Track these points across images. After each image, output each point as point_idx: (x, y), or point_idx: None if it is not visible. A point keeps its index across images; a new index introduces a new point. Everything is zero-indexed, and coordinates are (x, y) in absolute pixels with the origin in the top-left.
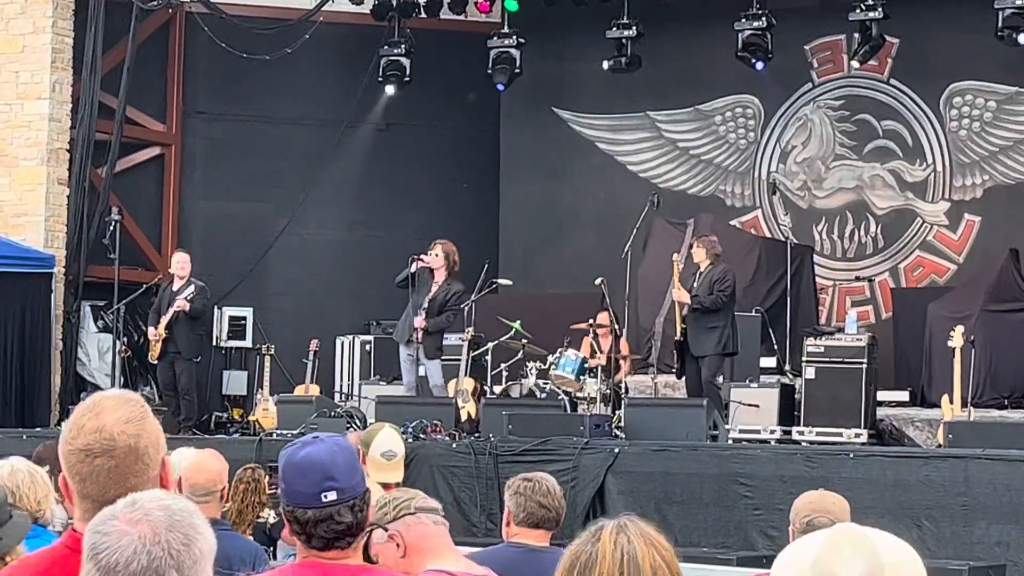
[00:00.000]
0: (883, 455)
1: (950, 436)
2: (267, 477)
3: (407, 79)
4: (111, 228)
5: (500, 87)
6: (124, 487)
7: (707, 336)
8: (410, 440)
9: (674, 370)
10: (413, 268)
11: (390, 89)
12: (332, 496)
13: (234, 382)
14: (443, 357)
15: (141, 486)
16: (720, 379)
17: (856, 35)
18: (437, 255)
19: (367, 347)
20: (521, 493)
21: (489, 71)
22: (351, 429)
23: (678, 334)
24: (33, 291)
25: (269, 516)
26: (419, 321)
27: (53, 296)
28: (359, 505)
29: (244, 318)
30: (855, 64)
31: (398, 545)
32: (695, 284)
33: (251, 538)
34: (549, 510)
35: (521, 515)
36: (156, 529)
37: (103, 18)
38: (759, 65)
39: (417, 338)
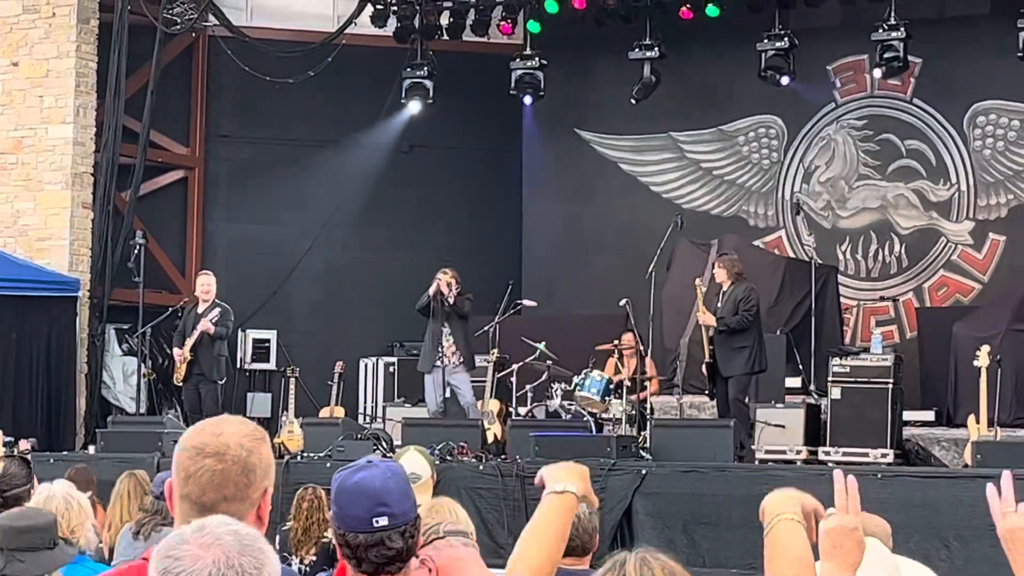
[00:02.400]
0: (911, 475)
1: (978, 456)
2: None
3: (430, 101)
4: (135, 251)
5: (527, 101)
6: (222, 493)
7: (736, 356)
8: (437, 462)
9: (706, 392)
10: (433, 289)
11: (414, 106)
12: (384, 522)
13: (258, 404)
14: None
15: (238, 499)
16: (747, 399)
17: (879, 55)
18: (450, 284)
19: (391, 369)
20: None
21: (512, 92)
22: (377, 451)
23: (707, 356)
24: (58, 315)
25: (332, 537)
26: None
27: (78, 320)
28: (410, 531)
29: (268, 340)
30: (877, 74)
31: (430, 570)
32: (719, 305)
33: (314, 558)
34: (573, 539)
35: None
36: (228, 553)
37: (127, 42)
38: (784, 80)
39: (447, 301)
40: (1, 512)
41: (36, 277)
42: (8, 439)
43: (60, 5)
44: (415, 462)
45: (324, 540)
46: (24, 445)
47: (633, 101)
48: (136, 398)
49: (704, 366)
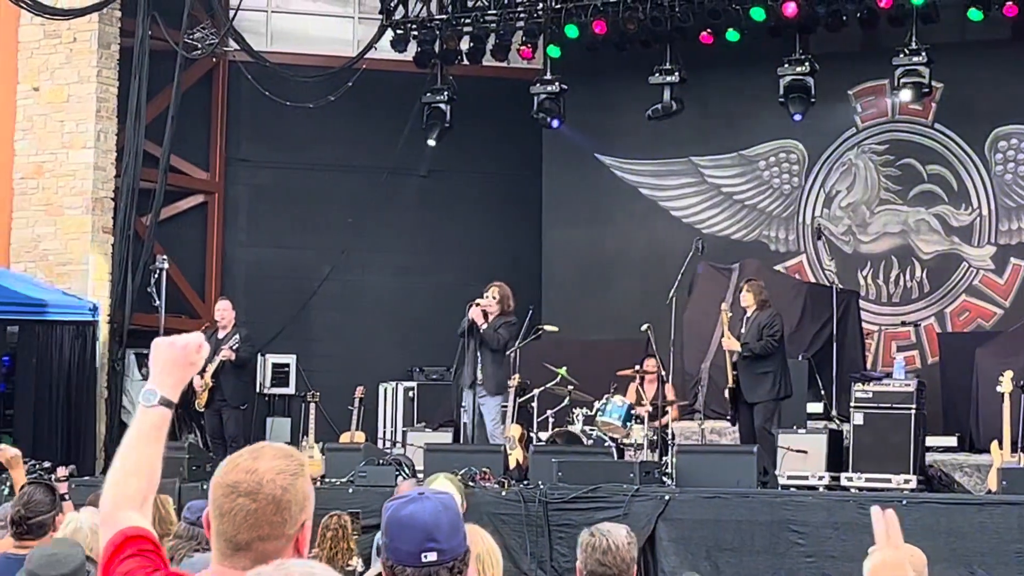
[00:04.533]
0: (936, 501)
1: (1003, 482)
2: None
3: (449, 125)
4: (155, 276)
5: (555, 125)
6: (256, 533)
7: (760, 382)
8: None
9: (728, 417)
10: (470, 316)
11: (431, 142)
12: (432, 557)
13: (278, 429)
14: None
15: (273, 538)
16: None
17: (899, 79)
18: (493, 298)
19: (410, 394)
20: (584, 549)
21: (534, 116)
22: (401, 477)
23: (730, 381)
24: (79, 339)
25: (357, 564)
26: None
27: (98, 344)
28: (458, 567)
29: (288, 365)
30: (906, 96)
31: None
32: (743, 330)
33: None
34: (609, 568)
35: (585, 572)
36: None
37: (147, 67)
38: (797, 117)
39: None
40: (25, 537)
41: (56, 301)
42: (47, 464)
43: (81, 30)
44: (447, 490)
45: (348, 569)
46: (62, 472)
47: (648, 116)
48: None
49: (727, 391)
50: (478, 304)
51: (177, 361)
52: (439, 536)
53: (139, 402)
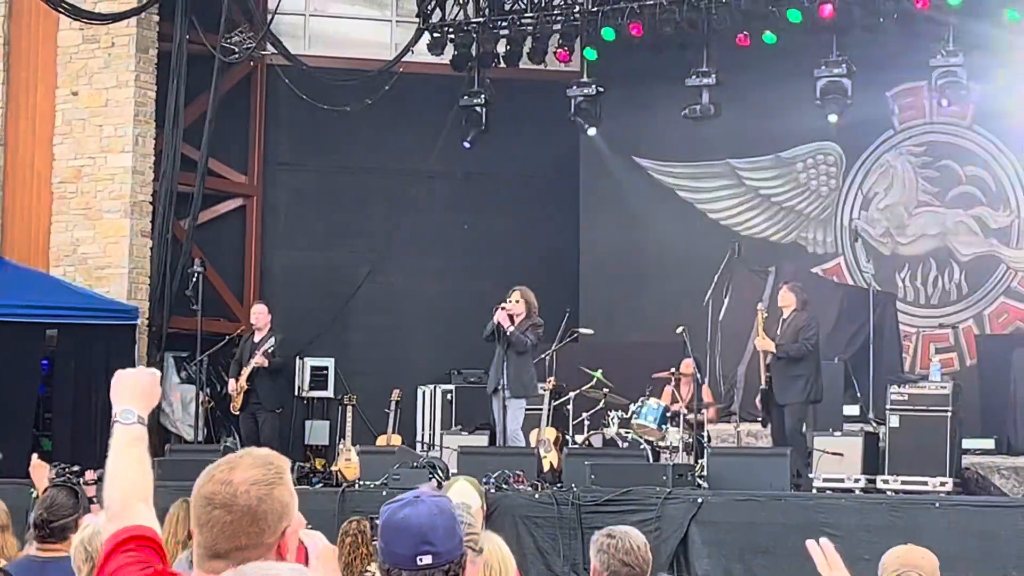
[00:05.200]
0: (970, 504)
1: None
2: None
3: (485, 128)
4: (194, 279)
5: (591, 133)
6: (234, 544)
7: (792, 384)
8: (492, 491)
9: (759, 419)
10: (496, 319)
11: (466, 144)
12: (427, 560)
13: (317, 432)
14: (525, 407)
15: (252, 549)
16: (804, 427)
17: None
18: (517, 301)
19: (448, 397)
20: (604, 551)
21: (571, 118)
22: (433, 480)
23: (763, 382)
24: (117, 343)
25: (375, 570)
26: (502, 316)
27: (136, 348)
28: (454, 569)
29: (326, 368)
30: (944, 103)
31: None
32: (779, 331)
33: None
34: (632, 568)
35: (605, 573)
36: None
37: (185, 71)
38: (832, 118)
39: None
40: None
41: (95, 305)
42: (75, 467)
43: (119, 35)
44: (465, 492)
45: (367, 574)
46: (90, 476)
47: (684, 114)
48: (195, 426)
49: (759, 392)
50: (503, 308)
51: (144, 386)
52: (434, 539)
53: (116, 420)
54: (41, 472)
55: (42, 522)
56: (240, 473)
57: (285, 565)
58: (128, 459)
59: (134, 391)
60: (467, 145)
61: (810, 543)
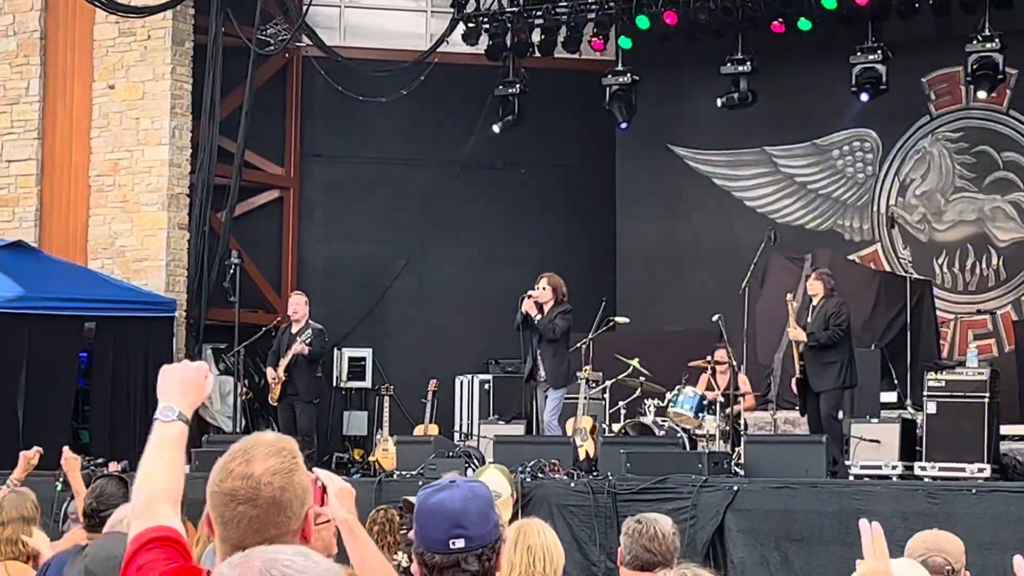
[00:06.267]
0: (1007, 490)
1: None
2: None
3: (520, 118)
4: (231, 271)
5: (623, 126)
6: (263, 537)
7: (826, 371)
8: (528, 479)
9: (796, 407)
10: (523, 309)
11: (496, 128)
12: (460, 544)
13: (355, 423)
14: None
15: (280, 538)
16: (840, 414)
17: (972, 67)
18: (544, 288)
19: (486, 386)
20: (629, 535)
21: (606, 107)
22: (469, 469)
23: (797, 371)
24: (155, 335)
25: (403, 559)
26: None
27: (175, 340)
28: (487, 554)
29: (364, 359)
30: (981, 95)
31: None
32: (809, 319)
33: None
34: (655, 554)
35: (628, 557)
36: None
37: (221, 64)
38: (864, 96)
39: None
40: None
41: (133, 298)
42: (99, 460)
43: (155, 28)
44: (495, 480)
45: (393, 562)
46: (114, 467)
47: (721, 103)
48: (233, 417)
49: (794, 381)
50: (530, 296)
51: (189, 381)
52: (467, 523)
53: (156, 418)
54: (74, 465)
55: (91, 511)
56: (258, 464)
57: (290, 547)
58: (160, 460)
59: (179, 387)
60: (496, 129)
61: (863, 523)
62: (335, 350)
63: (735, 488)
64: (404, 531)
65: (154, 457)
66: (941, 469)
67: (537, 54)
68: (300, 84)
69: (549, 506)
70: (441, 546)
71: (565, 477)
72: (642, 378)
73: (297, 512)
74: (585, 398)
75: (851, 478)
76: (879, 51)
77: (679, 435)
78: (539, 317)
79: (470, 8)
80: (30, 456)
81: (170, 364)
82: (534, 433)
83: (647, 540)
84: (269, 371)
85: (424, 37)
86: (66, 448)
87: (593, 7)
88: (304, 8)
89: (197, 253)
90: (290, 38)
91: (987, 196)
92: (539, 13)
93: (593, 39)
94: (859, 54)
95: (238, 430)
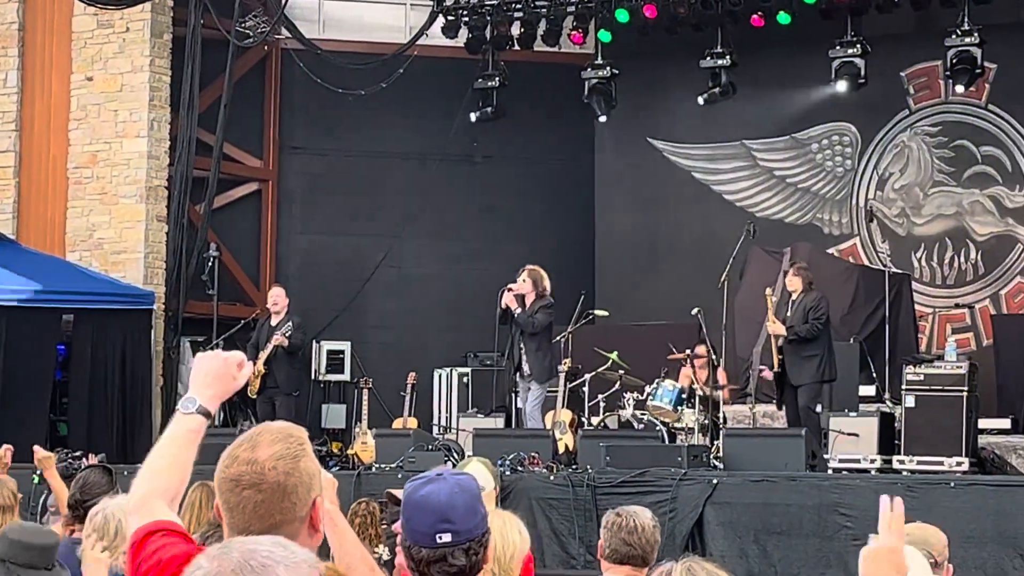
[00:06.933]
0: (985, 484)
1: None
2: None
3: (498, 111)
4: (209, 264)
5: (601, 119)
6: (268, 523)
7: (805, 365)
8: (508, 473)
9: (774, 400)
10: (503, 303)
11: (472, 116)
12: (447, 538)
13: (333, 415)
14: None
15: (286, 524)
16: (819, 407)
17: (951, 62)
18: (524, 280)
19: (464, 380)
20: (609, 528)
21: (586, 100)
22: (448, 462)
23: (776, 365)
24: (133, 328)
25: (383, 552)
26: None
27: (153, 332)
28: (474, 548)
29: (342, 352)
30: (960, 89)
31: None
32: (788, 313)
33: None
34: (633, 547)
35: (607, 550)
36: (222, 568)
37: (200, 56)
38: (841, 85)
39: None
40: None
41: (111, 290)
42: (76, 453)
43: (134, 20)
44: (478, 473)
45: (375, 555)
46: (92, 460)
47: (703, 100)
48: None
49: (771, 374)
50: (510, 289)
51: (220, 373)
52: (454, 517)
53: (177, 409)
54: (48, 463)
55: (75, 503)
56: (263, 450)
57: (268, 538)
58: (167, 456)
59: (204, 378)
60: (472, 118)
61: (884, 498)
62: (314, 343)
63: (714, 481)
64: (386, 524)
65: (163, 453)
66: (920, 463)
67: (517, 47)
68: (279, 77)
69: (529, 499)
70: (428, 540)
71: (545, 471)
72: (621, 371)
73: (303, 498)
74: (564, 391)
75: (830, 472)
76: (858, 45)
77: (658, 428)
78: (519, 311)
79: (449, 1)
80: (0, 454)
81: (204, 352)
82: (513, 426)
83: (627, 533)
84: (248, 365)
85: (403, 30)
86: (37, 448)
87: (572, 0)
88: (283, 0)
89: (175, 245)
90: (269, 30)
91: (965, 190)
92: (519, 6)
93: (573, 32)
94: (838, 48)
95: (217, 423)
